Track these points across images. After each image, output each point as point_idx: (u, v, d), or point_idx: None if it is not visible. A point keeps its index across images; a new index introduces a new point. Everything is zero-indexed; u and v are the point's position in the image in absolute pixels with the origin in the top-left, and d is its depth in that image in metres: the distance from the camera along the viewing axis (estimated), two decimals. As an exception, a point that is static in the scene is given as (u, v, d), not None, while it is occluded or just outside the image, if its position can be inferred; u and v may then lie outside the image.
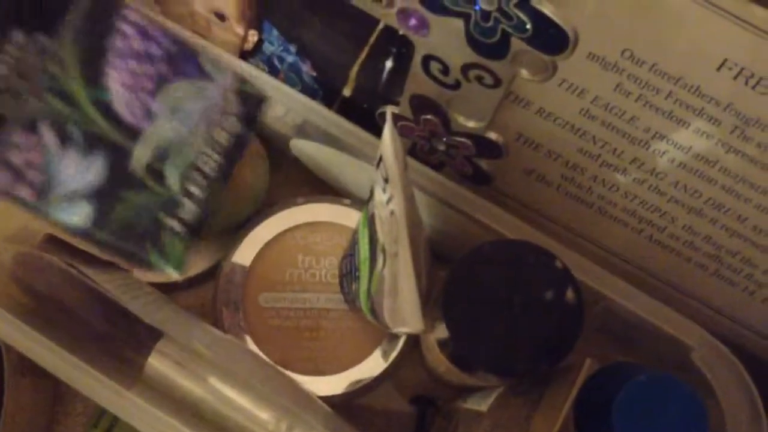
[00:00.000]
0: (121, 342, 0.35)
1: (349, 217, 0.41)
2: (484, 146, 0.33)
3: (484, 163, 0.35)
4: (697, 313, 0.41)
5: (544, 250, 0.28)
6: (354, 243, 0.36)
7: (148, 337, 0.34)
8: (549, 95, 0.34)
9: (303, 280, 0.41)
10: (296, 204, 0.42)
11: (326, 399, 0.38)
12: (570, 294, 0.28)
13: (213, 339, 0.36)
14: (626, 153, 0.37)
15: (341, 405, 0.39)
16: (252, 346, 0.39)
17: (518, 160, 0.39)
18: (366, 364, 0.39)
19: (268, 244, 0.41)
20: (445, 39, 0.28)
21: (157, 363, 0.34)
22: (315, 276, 0.41)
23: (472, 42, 0.27)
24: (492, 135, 0.33)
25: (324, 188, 0.43)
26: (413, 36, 0.29)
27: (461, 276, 0.28)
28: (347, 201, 0.42)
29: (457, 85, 0.30)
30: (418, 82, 0.31)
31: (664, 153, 0.36)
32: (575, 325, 0.28)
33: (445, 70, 0.29)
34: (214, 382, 0.34)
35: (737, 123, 0.33)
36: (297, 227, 0.41)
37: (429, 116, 0.33)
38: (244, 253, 0.41)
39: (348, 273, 0.36)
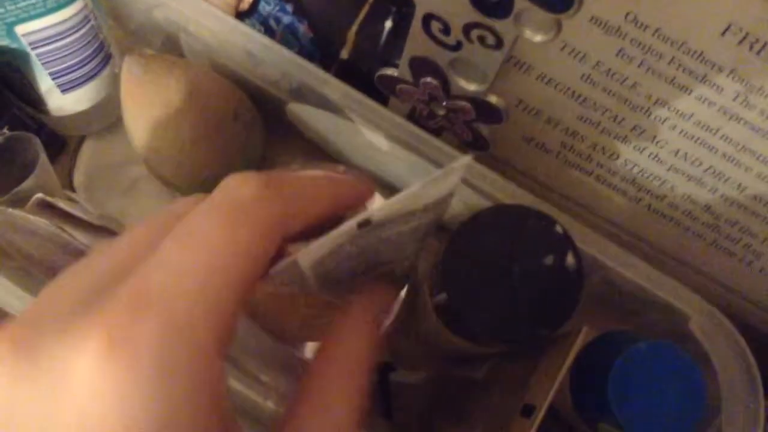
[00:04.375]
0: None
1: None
2: (484, 110, 0.33)
3: (483, 129, 0.34)
4: (694, 283, 0.41)
5: (544, 214, 0.28)
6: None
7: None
8: (550, 60, 0.33)
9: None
10: (291, 170, 0.41)
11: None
12: (570, 259, 0.28)
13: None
14: (627, 120, 0.36)
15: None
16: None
17: (518, 126, 0.38)
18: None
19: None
20: (445, -2, 0.27)
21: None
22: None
23: (474, 0, 0.27)
24: (492, 99, 0.32)
25: (320, 154, 0.43)
26: (414, -6, 0.28)
27: (460, 242, 0.28)
28: (342, 167, 0.41)
29: (458, 46, 0.30)
30: (418, 43, 0.30)
31: (665, 120, 0.36)
32: (575, 290, 0.27)
33: (446, 30, 0.29)
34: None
35: (740, 90, 0.33)
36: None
37: (429, 79, 0.32)
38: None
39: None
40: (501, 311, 0.27)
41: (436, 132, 0.35)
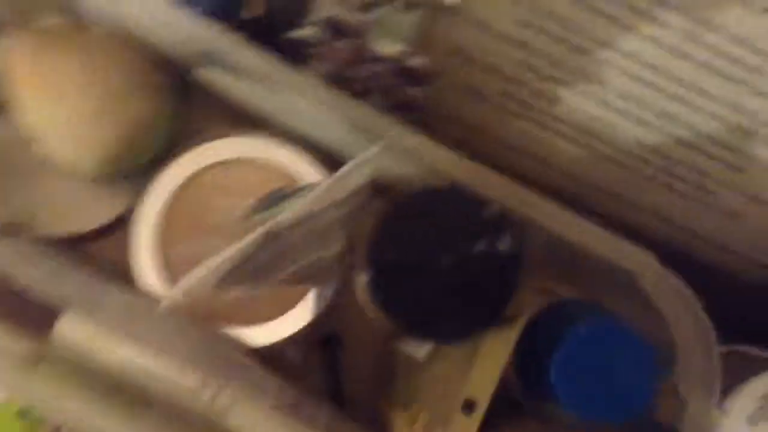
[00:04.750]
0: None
1: (271, 151, 0.37)
2: (409, 73, 0.29)
3: (414, 89, 0.31)
4: (648, 227, 0.39)
5: (473, 195, 0.25)
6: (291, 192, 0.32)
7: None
8: (481, 3, 0.30)
9: (225, 225, 0.37)
10: (211, 140, 0.38)
11: (256, 350, 0.35)
12: (505, 243, 0.25)
13: (126, 303, 0.33)
14: (569, 64, 0.34)
15: (270, 356, 0.36)
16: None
17: (452, 78, 0.35)
18: (295, 314, 0.36)
19: (182, 188, 0.37)
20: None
21: (64, 334, 0.31)
22: (236, 218, 0.37)
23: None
24: (417, 61, 0.29)
25: (241, 120, 0.39)
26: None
27: (384, 232, 0.25)
28: (266, 133, 0.38)
29: (371, 7, 0.26)
30: (327, 5, 0.27)
31: (610, 62, 0.33)
32: (511, 277, 0.25)
33: (355, -10, 0.25)
34: (128, 351, 0.31)
35: (687, 26, 0.30)
36: (214, 166, 0.38)
37: (344, 42, 0.29)
38: (156, 199, 0.37)
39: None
40: (428, 308, 0.25)
41: (362, 95, 0.32)
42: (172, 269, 0.37)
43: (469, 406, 0.27)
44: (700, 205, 0.37)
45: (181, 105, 0.39)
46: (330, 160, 0.36)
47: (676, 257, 0.38)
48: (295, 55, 0.31)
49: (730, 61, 0.31)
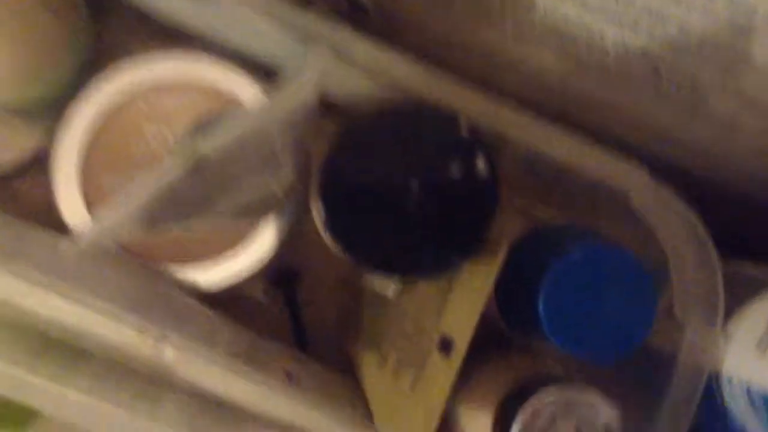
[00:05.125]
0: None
1: (203, 69, 0.33)
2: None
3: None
4: (637, 140, 0.35)
5: (439, 113, 0.21)
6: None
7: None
8: None
9: (155, 154, 0.33)
10: (134, 61, 0.33)
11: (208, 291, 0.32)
12: (477, 165, 0.21)
13: (51, 247, 0.29)
14: (544, -41, 0.29)
15: (226, 295, 0.33)
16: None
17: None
18: (248, 249, 0.33)
19: (104, 115, 0.33)
20: None
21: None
22: (168, 148, 0.33)
23: None
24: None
25: (167, 37, 0.35)
26: None
27: (335, 162, 0.21)
28: (195, 50, 0.33)
29: None
30: None
31: (589, -46, 0.28)
32: (488, 203, 0.21)
33: None
34: (56, 300, 0.27)
35: None
36: (140, 89, 0.33)
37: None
38: (75, 130, 0.33)
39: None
40: (393, 241, 0.21)
41: (304, 2, 0.27)
42: (100, 206, 0.33)
43: (445, 346, 0.23)
44: (693, 113, 0.34)
45: (96, 22, 0.34)
46: (270, 76, 0.32)
47: (669, 172, 0.35)
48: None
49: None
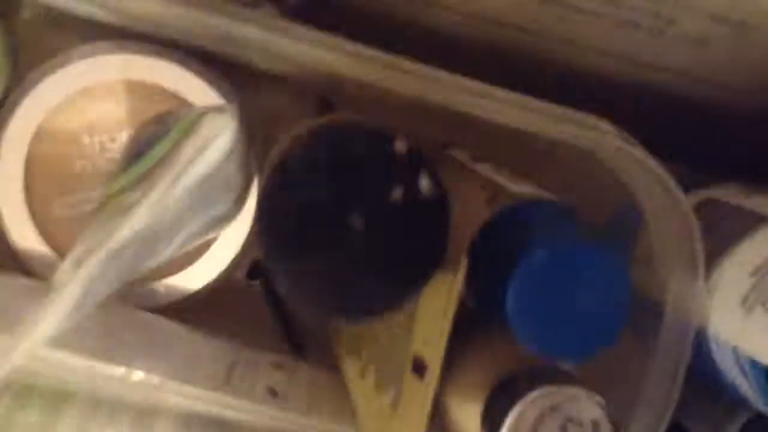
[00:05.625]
0: None
1: (140, 68, 0.30)
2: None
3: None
4: (605, 68, 0.33)
5: (378, 131, 0.19)
6: (160, 129, 0.26)
7: None
8: None
9: (100, 169, 0.31)
10: (62, 65, 0.30)
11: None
12: (424, 184, 0.20)
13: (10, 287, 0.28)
14: None
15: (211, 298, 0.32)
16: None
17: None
18: (217, 248, 0.31)
19: (37, 133, 0.30)
20: None
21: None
22: (114, 159, 0.31)
23: None
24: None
25: (96, 31, 0.31)
26: None
27: (273, 199, 0.20)
28: (132, 44, 0.30)
29: None
30: None
31: None
32: (439, 226, 0.20)
33: None
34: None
35: None
36: (70, 99, 0.31)
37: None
38: (10, 153, 0.30)
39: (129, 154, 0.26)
40: (343, 280, 0.20)
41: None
42: (54, 233, 0.31)
43: (418, 368, 0.22)
44: (660, 35, 0.31)
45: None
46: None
47: (644, 96, 0.33)
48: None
49: None
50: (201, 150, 0.20)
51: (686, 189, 0.33)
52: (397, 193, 0.20)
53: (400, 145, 0.20)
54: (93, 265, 0.19)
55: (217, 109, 0.23)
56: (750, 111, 0.33)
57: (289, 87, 0.34)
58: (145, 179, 0.23)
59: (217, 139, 0.20)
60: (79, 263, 0.20)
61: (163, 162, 0.23)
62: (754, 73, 0.32)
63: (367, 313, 0.20)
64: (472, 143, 0.35)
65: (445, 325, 0.21)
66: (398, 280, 0.20)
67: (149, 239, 0.22)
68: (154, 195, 0.19)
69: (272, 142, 0.34)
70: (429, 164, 0.20)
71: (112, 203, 0.23)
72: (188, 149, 0.21)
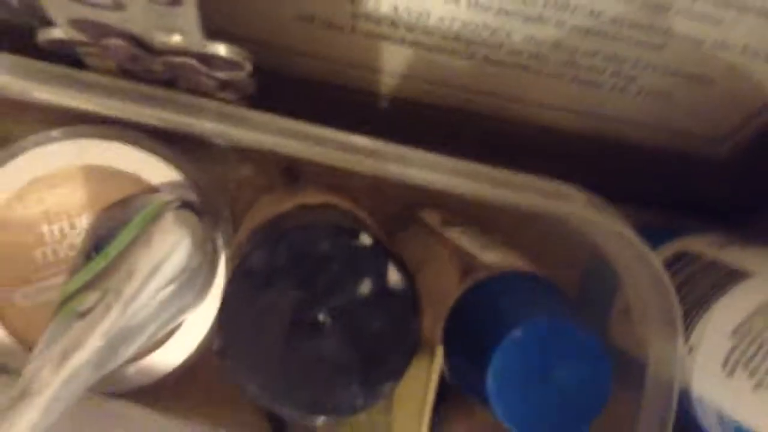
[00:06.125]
0: None
1: (96, 151, 0.30)
2: (215, 62, 0.21)
3: (228, 73, 0.23)
4: (566, 122, 0.33)
5: (341, 225, 0.19)
6: (118, 220, 0.25)
7: None
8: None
9: (62, 256, 0.30)
10: (15, 155, 0.30)
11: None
12: (392, 276, 0.19)
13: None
14: (425, -30, 0.26)
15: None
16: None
17: (286, 7, 0.28)
18: (173, 345, 0.30)
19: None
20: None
21: None
22: (75, 246, 0.30)
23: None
24: (219, 50, 0.21)
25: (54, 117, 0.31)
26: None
27: (236, 303, 0.19)
28: (87, 129, 0.30)
29: (119, 6, 0.18)
30: (61, 6, 0.19)
31: (474, -42, 0.25)
32: (409, 318, 0.19)
33: (87, -10, 0.17)
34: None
35: None
36: (26, 188, 0.30)
37: (112, 40, 0.20)
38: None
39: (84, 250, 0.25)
40: (314, 380, 0.19)
41: (169, 83, 0.24)
42: (15, 322, 0.30)
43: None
44: (619, 91, 0.31)
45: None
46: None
47: (604, 148, 0.33)
48: (61, 54, 0.23)
49: (627, -72, 0.24)
50: (159, 264, 0.19)
51: (660, 238, 0.33)
52: (365, 288, 0.19)
53: (364, 239, 0.19)
54: (56, 382, 0.19)
55: (180, 202, 0.23)
56: (718, 159, 0.33)
57: (252, 158, 0.34)
58: (103, 278, 0.22)
59: (175, 251, 0.19)
60: (37, 378, 0.19)
61: (121, 261, 0.22)
62: (717, 123, 0.32)
63: (343, 412, 0.19)
64: (442, 204, 0.35)
65: (426, 409, 0.21)
66: (372, 375, 0.19)
67: (113, 345, 0.21)
68: (115, 310, 0.18)
69: (238, 212, 0.34)
70: (395, 255, 0.19)
71: (69, 306, 0.22)
72: (146, 263, 0.20)
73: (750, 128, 0.31)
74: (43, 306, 0.30)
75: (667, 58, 0.29)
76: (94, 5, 0.18)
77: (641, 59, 0.29)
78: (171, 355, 0.31)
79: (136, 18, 0.18)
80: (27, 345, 0.30)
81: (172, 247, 0.20)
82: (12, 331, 0.30)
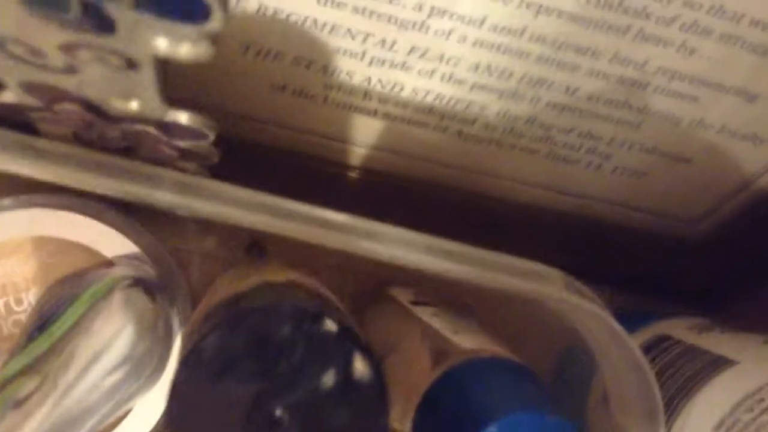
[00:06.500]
0: None
1: (48, 221, 0.28)
2: (176, 129, 0.20)
3: (191, 141, 0.22)
4: (539, 199, 0.32)
5: (303, 309, 0.17)
6: (66, 296, 0.23)
7: None
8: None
9: (5, 334, 0.28)
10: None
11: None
12: (358, 366, 0.17)
13: None
14: (399, 43, 0.25)
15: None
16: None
17: (259, 76, 0.27)
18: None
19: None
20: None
21: None
22: (20, 322, 0.28)
23: (41, 16, 0.14)
24: (181, 117, 0.19)
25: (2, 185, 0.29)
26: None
27: (186, 387, 0.17)
28: (40, 198, 0.28)
29: (73, 69, 0.17)
30: (12, 68, 0.17)
31: (450, 33, 0.25)
32: (378, 409, 0.18)
33: (38, 53, 0.16)
34: None
35: (542, -26, 0.22)
36: (-29, 258, 0.28)
37: (66, 105, 0.19)
38: None
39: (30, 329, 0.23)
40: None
41: (126, 151, 0.23)
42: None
43: None
44: (594, 169, 0.30)
45: None
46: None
47: (580, 225, 0.32)
48: (12, 119, 0.21)
49: (605, 6, 0.23)
50: (99, 353, 0.17)
51: (636, 322, 0.32)
52: (329, 379, 0.17)
53: (329, 324, 0.17)
54: None
55: (132, 280, 0.21)
56: (694, 240, 0.32)
57: (215, 231, 0.33)
58: (44, 361, 0.20)
59: (125, 329, 0.18)
60: None
61: (64, 342, 0.20)
62: (695, 203, 0.31)
63: None
64: (415, 280, 0.33)
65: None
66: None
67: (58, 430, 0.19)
68: (58, 392, 0.17)
69: (199, 288, 0.32)
70: (362, 342, 0.18)
71: (6, 392, 0.20)
72: (84, 352, 0.18)
73: (727, 209, 0.31)
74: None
75: (643, 136, 0.28)
76: (45, 68, 0.17)
77: (617, 137, 0.28)
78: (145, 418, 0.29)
79: (92, 82, 0.17)
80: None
81: (114, 334, 0.19)
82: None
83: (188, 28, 0.14)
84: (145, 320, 0.20)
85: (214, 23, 0.14)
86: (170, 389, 0.17)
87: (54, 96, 0.19)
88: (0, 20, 0.15)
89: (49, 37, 0.15)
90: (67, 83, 0.18)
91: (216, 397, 0.17)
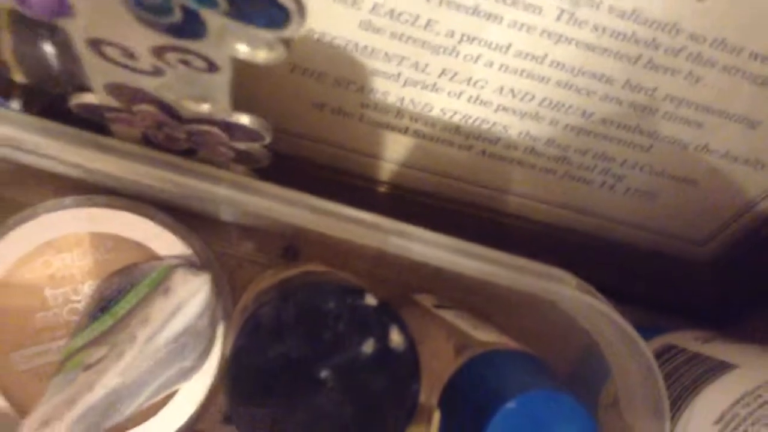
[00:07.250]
0: None
1: (107, 221, 0.31)
2: (237, 131, 0.23)
3: (249, 144, 0.25)
4: (555, 217, 0.34)
5: (347, 284, 0.20)
6: (126, 283, 0.26)
7: None
8: (317, 10, 0.24)
9: (62, 321, 0.30)
10: (27, 220, 0.31)
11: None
12: (394, 337, 0.20)
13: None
14: (431, 66, 0.28)
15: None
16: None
17: (301, 94, 0.29)
18: (163, 417, 0.30)
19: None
20: (102, 20, 0.17)
21: None
22: (77, 311, 0.31)
23: (144, 21, 0.17)
24: (243, 119, 0.22)
25: (63, 187, 0.32)
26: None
27: (242, 357, 0.19)
28: (99, 198, 0.31)
29: (159, 71, 0.19)
30: (102, 69, 0.20)
31: (478, 58, 0.27)
32: (411, 379, 0.20)
33: (131, 55, 0.19)
34: None
35: (564, 6, 0.24)
36: (34, 252, 0.31)
37: (143, 106, 0.22)
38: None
39: (92, 311, 0.26)
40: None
41: (188, 153, 0.25)
42: (12, 387, 0.30)
43: None
44: (608, 189, 0.33)
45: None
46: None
47: (592, 244, 0.34)
48: (91, 119, 0.24)
49: (618, 37, 0.26)
50: (175, 311, 0.20)
51: (644, 335, 0.34)
52: (368, 347, 0.20)
53: (369, 299, 0.20)
54: (62, 427, 0.19)
55: (190, 267, 0.24)
56: (700, 261, 0.34)
57: (254, 236, 0.35)
58: (110, 334, 0.23)
59: (192, 299, 0.20)
60: (45, 423, 0.19)
61: (130, 318, 0.23)
62: (701, 224, 0.33)
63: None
64: (438, 288, 0.36)
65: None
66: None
67: (118, 397, 0.21)
68: (128, 355, 0.19)
69: (238, 289, 0.34)
70: (398, 317, 0.20)
71: (74, 360, 0.22)
72: (163, 308, 0.21)
73: (731, 230, 0.33)
74: (40, 371, 0.30)
75: (653, 158, 0.31)
76: (134, 70, 0.19)
77: (629, 159, 0.31)
78: (161, 428, 0.31)
79: (171, 84, 0.20)
80: (20, 410, 0.30)
81: (190, 293, 0.21)
82: (9, 398, 0.30)
83: (269, 34, 0.17)
84: (204, 296, 0.22)
85: (293, 29, 0.16)
86: (231, 352, 0.20)
87: (134, 97, 0.22)
88: (101, 23, 0.17)
89: (144, 40, 0.18)
90: (150, 85, 0.20)
91: (269, 360, 0.19)
